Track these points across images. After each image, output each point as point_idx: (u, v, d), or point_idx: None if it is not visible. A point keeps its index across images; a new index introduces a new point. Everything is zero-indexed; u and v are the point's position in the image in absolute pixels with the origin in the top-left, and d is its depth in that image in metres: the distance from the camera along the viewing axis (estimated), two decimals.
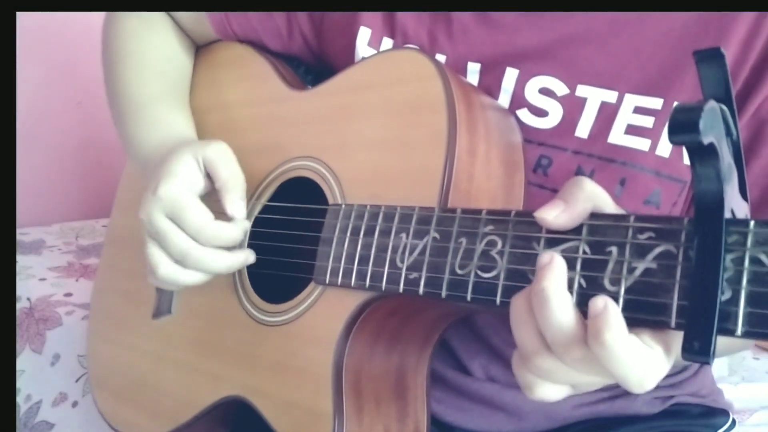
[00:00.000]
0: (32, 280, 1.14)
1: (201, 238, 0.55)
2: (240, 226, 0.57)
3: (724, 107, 0.30)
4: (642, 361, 0.33)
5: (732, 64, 0.51)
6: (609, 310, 0.32)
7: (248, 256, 0.57)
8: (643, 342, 0.33)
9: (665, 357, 0.34)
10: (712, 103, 0.28)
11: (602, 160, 0.53)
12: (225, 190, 0.58)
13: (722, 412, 0.68)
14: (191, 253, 0.55)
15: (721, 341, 0.29)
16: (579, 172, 0.54)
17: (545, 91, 0.55)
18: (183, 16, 0.73)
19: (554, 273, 0.35)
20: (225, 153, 0.59)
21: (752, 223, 0.29)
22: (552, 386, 0.37)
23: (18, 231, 1.38)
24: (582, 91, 0.54)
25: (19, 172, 1.30)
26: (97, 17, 1.25)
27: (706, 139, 0.27)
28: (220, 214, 0.57)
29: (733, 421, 0.68)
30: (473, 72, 0.57)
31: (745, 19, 0.50)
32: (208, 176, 0.59)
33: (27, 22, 1.38)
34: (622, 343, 0.32)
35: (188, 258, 0.55)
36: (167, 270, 0.56)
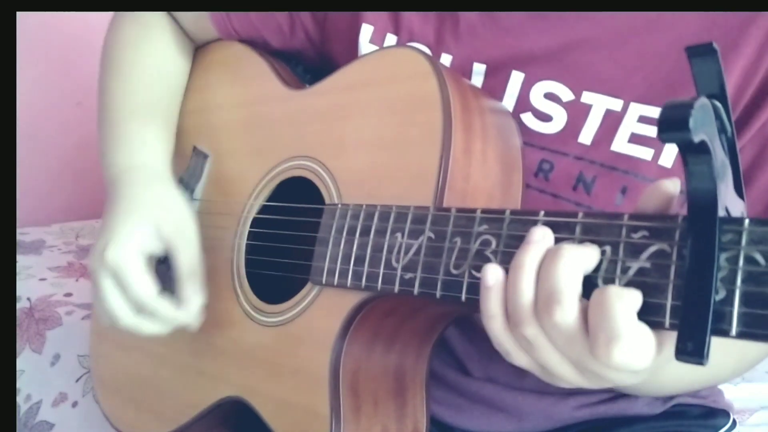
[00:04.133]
0: (32, 280, 1.14)
1: (141, 310, 0.58)
2: (187, 316, 0.59)
3: (718, 104, 0.29)
4: (633, 324, 0.32)
5: (740, 78, 0.50)
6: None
7: (192, 322, 0.59)
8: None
9: (654, 346, 0.33)
10: (703, 100, 0.27)
11: (604, 167, 0.53)
12: (182, 278, 0.59)
13: (723, 413, 0.68)
14: (123, 321, 0.58)
15: (733, 355, 0.29)
16: (581, 178, 0.54)
17: (550, 96, 0.55)
18: (184, 16, 0.73)
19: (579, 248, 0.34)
20: (185, 232, 0.61)
21: (747, 221, 0.29)
22: (524, 357, 0.38)
23: (18, 231, 1.37)
24: (587, 97, 0.54)
25: (19, 172, 1.30)
26: (96, 17, 1.25)
27: (697, 137, 0.27)
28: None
29: (734, 422, 0.68)
30: (478, 73, 0.57)
31: (755, 33, 0.50)
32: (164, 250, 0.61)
33: (27, 22, 1.38)
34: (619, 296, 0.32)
35: (119, 323, 0.58)
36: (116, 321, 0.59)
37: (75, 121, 1.56)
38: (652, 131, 0.52)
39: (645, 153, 0.52)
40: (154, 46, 0.72)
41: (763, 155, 0.52)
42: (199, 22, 0.72)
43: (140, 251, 0.58)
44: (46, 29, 1.47)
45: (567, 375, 0.37)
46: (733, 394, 0.91)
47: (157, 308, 0.58)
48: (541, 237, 0.36)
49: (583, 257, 0.34)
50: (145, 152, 0.67)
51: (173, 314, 0.58)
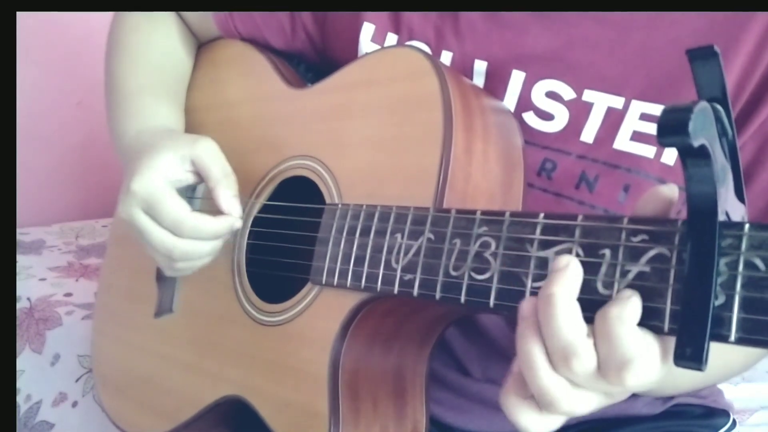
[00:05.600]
0: (32, 280, 1.14)
1: (180, 232, 0.55)
2: (226, 221, 0.56)
3: (719, 107, 0.29)
4: (635, 339, 0.32)
5: (740, 74, 0.50)
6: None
7: (233, 222, 0.57)
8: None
9: (660, 356, 0.33)
10: (702, 104, 0.27)
11: (607, 165, 0.53)
12: (219, 186, 0.57)
13: (723, 413, 0.68)
14: (176, 247, 0.55)
15: (732, 358, 0.29)
16: (583, 177, 0.54)
17: (552, 95, 0.54)
18: (188, 13, 0.73)
19: (566, 279, 0.33)
20: (214, 150, 0.59)
21: (747, 226, 0.29)
22: (549, 418, 0.37)
23: (18, 231, 1.38)
24: (589, 95, 0.53)
25: (19, 172, 1.30)
26: (97, 18, 1.25)
27: (697, 141, 0.26)
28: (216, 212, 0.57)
29: (734, 422, 0.68)
30: (480, 71, 0.57)
31: (755, 30, 0.50)
32: (195, 174, 0.59)
33: (27, 22, 1.38)
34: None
35: (174, 252, 0.55)
36: (174, 268, 0.57)
37: (75, 121, 1.56)
38: (653, 129, 0.51)
39: (647, 151, 0.52)
40: (160, 34, 0.72)
41: (763, 152, 0.52)
42: (202, 20, 0.72)
43: (166, 178, 0.56)
44: (46, 29, 1.47)
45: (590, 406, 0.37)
46: (733, 394, 0.91)
47: (196, 223, 0.55)
48: (529, 314, 0.36)
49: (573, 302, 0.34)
50: (158, 119, 0.66)
51: (213, 224, 0.55)
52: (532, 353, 0.35)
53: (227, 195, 0.57)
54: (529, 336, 0.35)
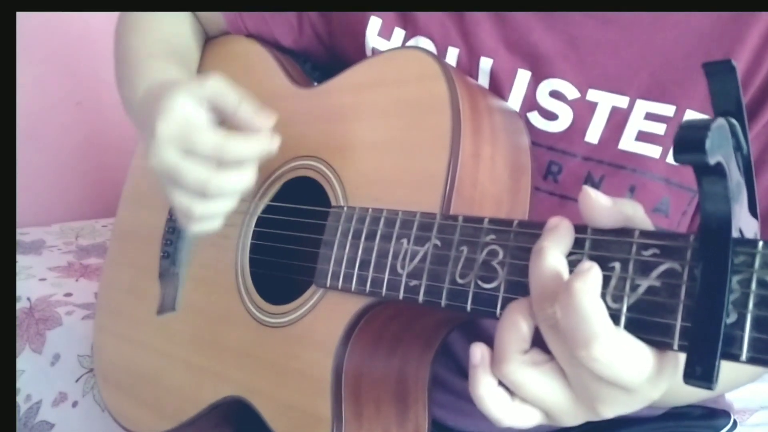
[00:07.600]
0: (32, 280, 1.14)
1: (223, 155, 0.50)
2: (264, 136, 0.52)
3: (735, 121, 0.29)
4: (608, 330, 0.31)
5: (744, 72, 0.50)
6: (593, 271, 0.31)
7: (271, 144, 0.52)
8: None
9: (654, 361, 0.32)
10: (720, 121, 0.27)
11: (612, 166, 0.53)
12: (242, 109, 0.53)
13: (723, 413, 0.68)
14: (211, 180, 0.50)
15: (740, 373, 0.28)
16: (589, 178, 0.54)
17: (556, 94, 0.54)
18: None
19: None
20: (223, 83, 0.54)
21: (761, 243, 0.28)
22: (522, 406, 0.36)
23: (18, 231, 1.38)
24: (593, 95, 0.53)
25: (19, 172, 1.30)
26: (96, 17, 1.25)
27: (713, 159, 0.26)
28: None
29: (735, 422, 0.68)
30: (485, 69, 0.57)
31: (760, 27, 0.50)
32: (213, 112, 0.54)
33: (27, 22, 1.38)
34: (591, 298, 0.31)
35: (209, 186, 0.51)
36: (202, 209, 0.52)
37: (75, 121, 1.56)
38: (659, 128, 0.52)
39: (653, 151, 0.52)
40: (172, 18, 0.72)
41: (767, 153, 0.52)
42: (211, 15, 0.72)
43: (189, 117, 0.52)
44: (46, 29, 1.47)
45: (569, 409, 0.37)
46: (733, 394, 0.91)
47: (239, 141, 0.50)
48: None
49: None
50: (169, 76, 0.64)
51: (255, 141, 0.51)
52: (515, 343, 0.36)
53: (252, 112, 0.53)
54: (519, 326, 0.36)
